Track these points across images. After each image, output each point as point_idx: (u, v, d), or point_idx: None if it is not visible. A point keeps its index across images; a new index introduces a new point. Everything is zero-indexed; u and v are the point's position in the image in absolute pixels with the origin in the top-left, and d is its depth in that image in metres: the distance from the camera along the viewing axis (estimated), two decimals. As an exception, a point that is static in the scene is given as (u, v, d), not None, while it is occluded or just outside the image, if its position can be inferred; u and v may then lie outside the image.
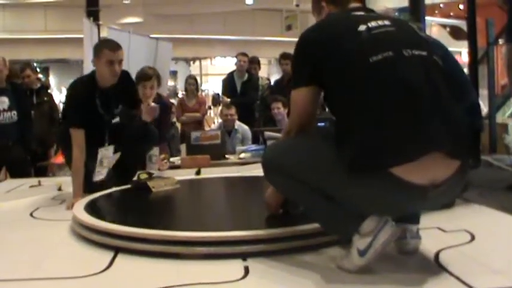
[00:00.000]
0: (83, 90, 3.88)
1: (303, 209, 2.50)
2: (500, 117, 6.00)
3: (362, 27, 2.12)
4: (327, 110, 4.58)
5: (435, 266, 2.16)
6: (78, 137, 3.75)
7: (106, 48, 3.81)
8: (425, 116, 1.95)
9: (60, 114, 6.37)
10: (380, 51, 2.04)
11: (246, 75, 7.96)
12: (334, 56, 2.10)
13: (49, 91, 7.18)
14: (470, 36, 5.24)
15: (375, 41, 2.09)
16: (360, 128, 1.96)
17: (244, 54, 8.05)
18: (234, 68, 8.18)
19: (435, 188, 1.96)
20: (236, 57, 8.12)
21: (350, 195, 2.03)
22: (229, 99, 7.63)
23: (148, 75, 4.92)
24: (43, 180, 4.82)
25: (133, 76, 4.97)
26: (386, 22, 2.18)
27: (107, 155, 3.99)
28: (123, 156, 4.05)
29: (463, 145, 2.04)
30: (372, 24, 2.14)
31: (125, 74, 4.03)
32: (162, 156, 5.07)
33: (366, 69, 2.02)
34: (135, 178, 3.88)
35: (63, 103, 4.54)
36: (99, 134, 3.90)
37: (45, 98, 6.60)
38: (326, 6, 2.47)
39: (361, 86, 2.01)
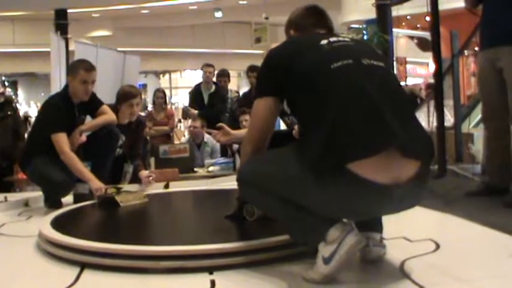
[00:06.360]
0: (63, 102, 4.14)
1: (258, 216, 2.66)
2: (465, 127, 6.09)
3: (323, 42, 2.27)
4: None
5: (400, 276, 2.18)
6: (62, 138, 3.98)
7: (82, 68, 4.11)
8: (380, 115, 2.02)
9: (27, 128, 6.32)
10: (340, 59, 2.17)
11: (213, 87, 7.86)
12: (297, 67, 2.20)
13: (15, 105, 7.11)
14: (435, 47, 5.30)
15: (335, 51, 2.23)
16: (319, 130, 2.02)
17: (210, 65, 7.94)
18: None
19: (398, 188, 2.00)
20: (202, 68, 7.99)
21: (318, 200, 2.05)
22: (196, 111, 7.59)
23: (134, 93, 4.93)
24: (9, 195, 4.75)
25: (102, 91, 4.97)
26: (347, 39, 2.34)
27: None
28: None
29: (419, 146, 2.11)
30: (333, 39, 2.30)
31: (93, 93, 4.28)
32: (147, 172, 4.98)
33: (327, 75, 2.14)
34: (102, 193, 3.84)
35: (37, 116, 4.56)
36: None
37: (9, 112, 6.51)
38: (294, 34, 2.59)
39: (323, 89, 2.11)
